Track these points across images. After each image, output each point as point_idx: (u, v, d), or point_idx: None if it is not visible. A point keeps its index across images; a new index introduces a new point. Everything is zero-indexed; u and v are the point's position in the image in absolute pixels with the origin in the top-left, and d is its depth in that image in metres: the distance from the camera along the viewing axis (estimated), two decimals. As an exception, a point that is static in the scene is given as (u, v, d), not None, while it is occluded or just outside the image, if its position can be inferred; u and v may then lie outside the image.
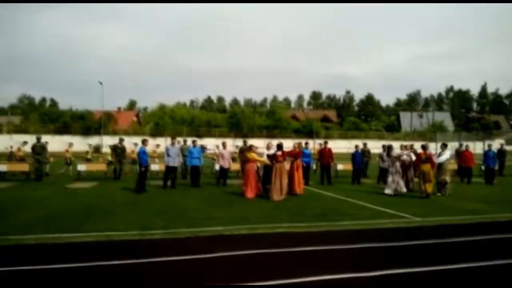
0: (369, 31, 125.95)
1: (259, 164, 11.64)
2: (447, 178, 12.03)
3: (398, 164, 12.25)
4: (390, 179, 12.01)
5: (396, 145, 15.52)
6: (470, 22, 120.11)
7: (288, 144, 18.77)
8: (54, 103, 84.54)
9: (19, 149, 18.38)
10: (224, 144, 14.22)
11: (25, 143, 18.93)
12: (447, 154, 12.42)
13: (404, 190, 12.02)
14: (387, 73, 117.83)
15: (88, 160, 18.27)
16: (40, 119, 53.56)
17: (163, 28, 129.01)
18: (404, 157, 12.79)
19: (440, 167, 12.13)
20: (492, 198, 11.45)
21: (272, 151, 12.92)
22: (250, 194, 10.92)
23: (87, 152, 19.20)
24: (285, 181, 10.79)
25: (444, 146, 12.68)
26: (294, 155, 12.12)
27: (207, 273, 4.64)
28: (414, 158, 13.81)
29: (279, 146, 11.33)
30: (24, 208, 8.69)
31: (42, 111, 59.58)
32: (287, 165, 11.43)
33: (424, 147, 11.95)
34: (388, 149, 13.33)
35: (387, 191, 11.85)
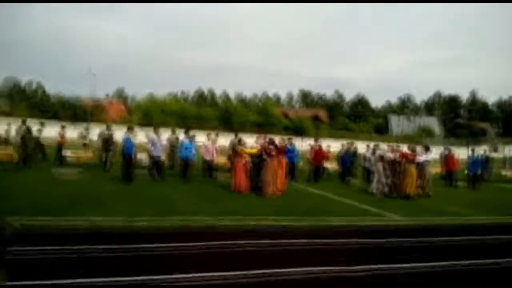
0: (363, 34, 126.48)
1: (247, 158, 11.42)
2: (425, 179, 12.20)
3: (380, 164, 12.20)
4: (375, 179, 12.16)
5: (383, 147, 15.71)
6: (464, 29, 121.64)
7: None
8: (40, 87, 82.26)
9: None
10: (208, 136, 14.05)
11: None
12: (427, 156, 12.65)
13: (386, 190, 11.90)
14: (379, 77, 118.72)
15: (85, 145, 17.45)
16: (29, 105, 52.53)
17: (156, 21, 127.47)
18: (388, 154, 12.61)
19: (420, 167, 12.34)
20: (474, 202, 11.74)
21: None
22: (238, 188, 10.89)
23: (83, 137, 18.25)
24: (279, 177, 10.78)
25: (426, 149, 12.94)
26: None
27: (192, 262, 4.71)
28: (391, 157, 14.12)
29: (271, 142, 11.32)
30: (9, 193, 8.59)
31: (33, 100, 58.19)
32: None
33: (412, 149, 12.16)
34: (373, 148, 13.41)
35: (373, 190, 12.00)
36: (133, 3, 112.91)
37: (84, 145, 17.47)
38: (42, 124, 16.69)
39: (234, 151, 12.29)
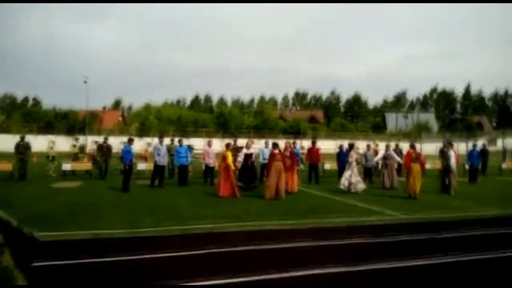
0: (356, 31, 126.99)
1: (232, 166, 11.13)
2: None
3: (354, 162, 12.20)
4: (346, 174, 12.08)
5: (381, 145, 15.74)
6: (458, 23, 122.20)
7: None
8: (37, 102, 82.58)
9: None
10: (209, 143, 14.12)
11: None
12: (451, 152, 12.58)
13: (359, 187, 11.89)
14: (374, 73, 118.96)
15: (75, 155, 17.40)
16: (22, 118, 52.36)
17: (150, 27, 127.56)
18: (359, 152, 12.61)
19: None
20: (475, 195, 11.70)
21: (251, 151, 12.93)
22: (222, 192, 10.70)
23: (74, 146, 18.28)
24: (282, 181, 10.62)
25: (450, 145, 12.95)
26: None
27: (195, 269, 4.63)
28: (397, 157, 14.12)
29: (275, 145, 11.30)
30: (9, 207, 8.49)
31: (25, 111, 58.17)
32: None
33: (412, 146, 12.02)
34: (349, 147, 13.13)
35: (341, 186, 11.96)
36: (125, 3, 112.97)
37: (75, 154, 17.43)
38: (53, 142, 17.83)
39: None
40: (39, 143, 17.47)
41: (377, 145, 15.11)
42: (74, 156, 17.17)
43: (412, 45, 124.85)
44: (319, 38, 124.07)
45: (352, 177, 12.02)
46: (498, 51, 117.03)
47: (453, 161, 12.38)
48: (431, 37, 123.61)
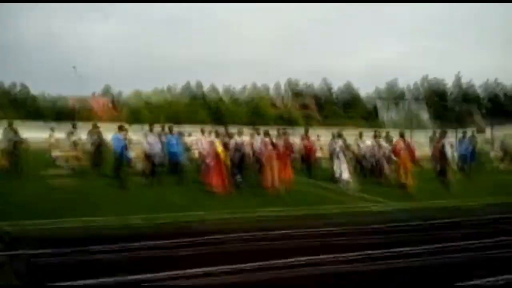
0: (352, 25, 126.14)
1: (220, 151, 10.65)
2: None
3: (340, 152, 11.94)
4: (334, 166, 11.98)
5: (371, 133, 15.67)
6: (457, 23, 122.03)
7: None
8: (24, 87, 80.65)
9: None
10: (208, 134, 13.66)
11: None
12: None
13: (345, 177, 11.59)
14: (374, 73, 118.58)
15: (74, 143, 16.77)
16: (9, 104, 51.43)
17: (141, 16, 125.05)
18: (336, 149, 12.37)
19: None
20: (465, 184, 11.87)
21: (242, 139, 12.46)
22: (213, 183, 10.23)
23: (71, 133, 17.51)
24: (276, 171, 10.41)
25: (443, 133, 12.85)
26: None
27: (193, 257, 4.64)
28: (387, 146, 14.05)
29: (266, 133, 10.98)
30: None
31: (13, 97, 57.13)
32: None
33: (401, 135, 12.07)
34: (337, 136, 12.87)
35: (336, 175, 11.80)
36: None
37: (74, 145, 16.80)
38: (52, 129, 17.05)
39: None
40: (28, 131, 16.86)
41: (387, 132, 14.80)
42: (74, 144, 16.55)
43: (411, 44, 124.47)
44: (313, 32, 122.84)
45: (342, 167, 11.89)
46: (498, 51, 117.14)
47: (448, 150, 12.11)
48: (430, 37, 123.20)
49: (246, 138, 13.20)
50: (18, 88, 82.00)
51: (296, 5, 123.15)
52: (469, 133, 19.48)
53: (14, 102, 52.17)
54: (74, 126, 15.51)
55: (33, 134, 17.00)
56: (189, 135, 16.55)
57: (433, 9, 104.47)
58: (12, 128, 13.83)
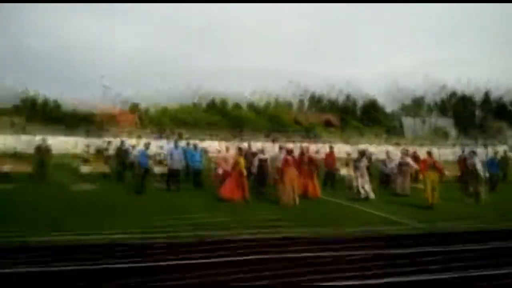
0: (374, 34, 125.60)
1: (244, 172, 11.17)
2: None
3: (363, 167, 12.03)
4: (355, 183, 11.86)
5: (398, 150, 15.47)
6: (478, 26, 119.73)
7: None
8: (57, 104, 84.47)
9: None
10: (227, 148, 14.14)
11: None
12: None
13: (371, 196, 11.70)
14: (393, 77, 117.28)
15: (86, 161, 17.60)
16: (42, 119, 53.51)
17: (166, 29, 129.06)
18: (362, 164, 12.32)
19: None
20: (495, 205, 11.40)
21: (266, 156, 12.75)
22: (227, 193, 10.71)
23: (87, 152, 18.36)
24: (296, 186, 10.61)
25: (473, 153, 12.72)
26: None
27: (210, 277, 4.64)
28: (413, 163, 13.78)
29: (289, 151, 11.25)
30: (28, 209, 8.70)
31: (45, 111, 59.53)
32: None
33: (429, 153, 11.77)
34: (360, 154, 12.91)
35: (361, 191, 11.69)
36: (143, 3, 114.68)
37: (85, 160, 17.44)
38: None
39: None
40: (58, 144, 17.65)
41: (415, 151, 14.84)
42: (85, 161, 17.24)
43: (429, 51, 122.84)
44: (336, 41, 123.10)
45: (365, 184, 11.84)
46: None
47: (479, 169, 12.03)
48: (448, 43, 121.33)
49: (268, 153, 13.39)
50: (51, 104, 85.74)
51: (317, 13, 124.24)
52: (500, 151, 18.84)
53: (40, 111, 54.19)
54: (109, 143, 16.12)
55: (57, 142, 17.57)
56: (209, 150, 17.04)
57: (459, 17, 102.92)
58: (45, 142, 14.73)
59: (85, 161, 17.62)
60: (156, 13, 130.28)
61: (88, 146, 19.00)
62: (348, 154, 17.44)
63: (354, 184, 11.92)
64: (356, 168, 12.12)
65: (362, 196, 11.66)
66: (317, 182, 12.18)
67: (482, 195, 11.78)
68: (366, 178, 12.03)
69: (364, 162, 12.24)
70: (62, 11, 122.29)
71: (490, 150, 17.17)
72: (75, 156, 17.71)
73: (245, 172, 11.15)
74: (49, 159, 14.73)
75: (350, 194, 11.84)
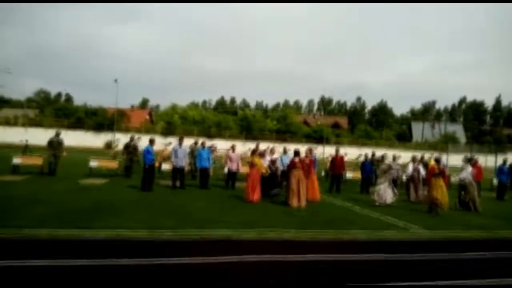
0: (384, 39, 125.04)
1: (263, 171, 11.63)
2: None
3: (387, 175, 11.86)
4: (378, 188, 11.73)
5: (406, 155, 15.40)
6: (485, 34, 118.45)
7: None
8: (69, 98, 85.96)
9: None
10: (233, 147, 14.21)
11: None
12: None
13: (389, 201, 11.55)
14: (402, 82, 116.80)
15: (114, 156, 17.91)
16: (54, 113, 54.23)
17: (178, 29, 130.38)
18: (392, 171, 12.38)
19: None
20: (503, 214, 11.32)
21: (275, 156, 12.95)
22: (252, 197, 10.79)
23: (114, 147, 18.54)
24: (303, 188, 10.68)
25: (469, 161, 12.68)
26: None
27: (213, 277, 4.72)
28: (423, 171, 13.69)
29: (297, 153, 11.27)
30: (38, 202, 8.86)
31: (57, 106, 60.34)
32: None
33: (437, 161, 11.63)
34: (379, 160, 12.99)
35: (377, 201, 11.53)
36: (155, 3, 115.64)
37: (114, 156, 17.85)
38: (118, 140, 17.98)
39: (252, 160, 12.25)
40: (69, 138, 17.89)
41: (422, 157, 14.98)
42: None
43: (440, 55, 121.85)
44: (346, 45, 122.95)
45: (386, 191, 11.66)
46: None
47: (465, 176, 11.92)
48: (461, 47, 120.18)
49: (277, 155, 13.51)
50: (63, 98, 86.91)
51: (330, 17, 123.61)
52: (510, 159, 18.62)
53: (59, 111, 54.88)
54: (132, 139, 16.23)
55: (73, 141, 17.80)
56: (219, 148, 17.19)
57: (471, 21, 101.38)
58: (58, 137, 14.92)
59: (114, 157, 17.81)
60: (170, 14, 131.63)
61: (114, 141, 19.14)
62: (357, 158, 17.42)
63: (380, 191, 11.66)
64: (384, 176, 11.88)
65: (386, 202, 11.49)
66: (317, 184, 12.15)
67: (477, 203, 11.64)
68: (390, 185, 11.84)
69: (393, 171, 12.23)
70: (84, 10, 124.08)
71: (499, 158, 16.91)
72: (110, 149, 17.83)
73: (267, 171, 11.60)
74: (61, 154, 14.90)
75: (370, 200, 11.77)
